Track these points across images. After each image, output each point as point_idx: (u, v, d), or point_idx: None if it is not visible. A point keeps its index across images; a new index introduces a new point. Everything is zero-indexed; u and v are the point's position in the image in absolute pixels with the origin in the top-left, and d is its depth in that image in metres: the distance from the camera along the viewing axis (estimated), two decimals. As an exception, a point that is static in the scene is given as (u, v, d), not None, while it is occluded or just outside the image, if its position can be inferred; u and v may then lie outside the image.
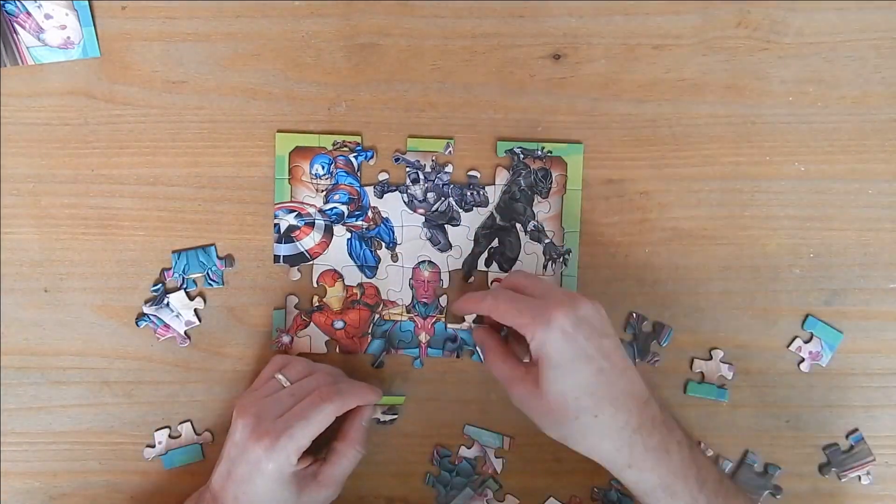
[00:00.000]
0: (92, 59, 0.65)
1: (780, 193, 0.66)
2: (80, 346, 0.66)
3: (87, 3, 0.64)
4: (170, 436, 0.66)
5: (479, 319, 0.65)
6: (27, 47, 0.64)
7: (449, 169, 0.65)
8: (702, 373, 0.66)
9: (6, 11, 0.64)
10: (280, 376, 0.61)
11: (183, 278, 0.65)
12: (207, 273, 0.65)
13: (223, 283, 0.66)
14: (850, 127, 0.65)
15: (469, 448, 0.67)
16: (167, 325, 0.65)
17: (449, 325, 0.66)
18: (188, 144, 0.65)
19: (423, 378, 0.66)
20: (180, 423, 0.66)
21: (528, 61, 0.65)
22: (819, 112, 0.65)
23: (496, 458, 0.67)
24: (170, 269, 0.65)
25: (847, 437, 0.66)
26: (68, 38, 0.64)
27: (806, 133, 0.65)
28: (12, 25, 0.64)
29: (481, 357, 0.65)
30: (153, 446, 0.66)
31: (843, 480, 0.66)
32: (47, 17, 0.64)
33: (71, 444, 0.66)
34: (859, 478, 0.66)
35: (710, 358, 0.66)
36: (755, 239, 0.66)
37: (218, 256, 0.65)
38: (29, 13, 0.64)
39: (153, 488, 0.66)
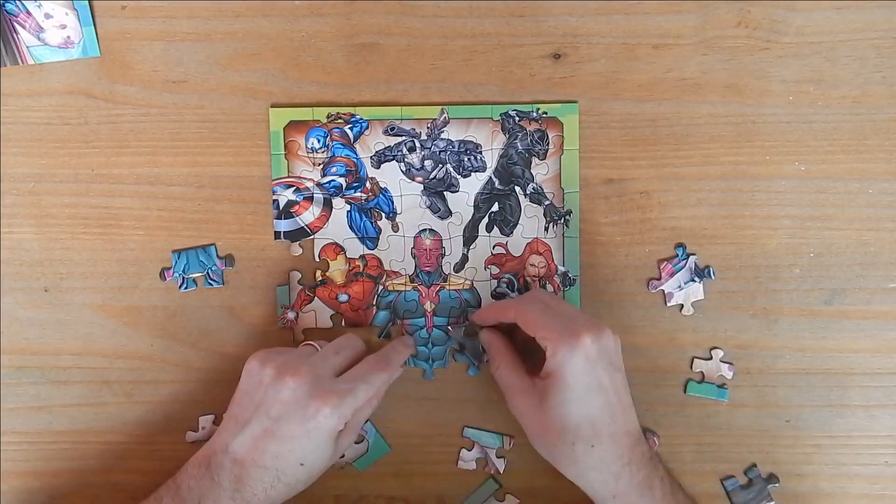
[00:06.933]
0: (92, 58, 0.65)
1: (780, 193, 0.66)
2: (80, 345, 0.66)
3: (87, 2, 0.64)
4: (214, 422, 0.66)
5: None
6: (27, 47, 0.64)
7: (445, 135, 0.65)
8: (702, 373, 0.66)
9: (6, 11, 0.64)
10: (311, 343, 0.63)
11: (183, 278, 0.65)
12: (207, 273, 0.65)
13: (223, 283, 0.66)
14: (850, 127, 0.65)
15: (469, 451, 0.67)
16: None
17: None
18: (188, 144, 0.65)
19: (423, 378, 0.66)
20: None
21: (528, 61, 0.65)
22: (819, 112, 0.65)
23: (497, 458, 0.67)
24: (170, 268, 0.65)
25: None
26: (68, 37, 0.64)
27: (806, 133, 0.65)
28: (12, 25, 0.64)
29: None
30: (196, 431, 0.66)
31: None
32: (47, 16, 0.64)
33: (71, 444, 0.66)
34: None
35: (710, 358, 0.66)
36: (755, 238, 0.66)
37: (218, 256, 0.65)
38: (29, 13, 0.64)
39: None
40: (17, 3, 0.64)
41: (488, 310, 0.63)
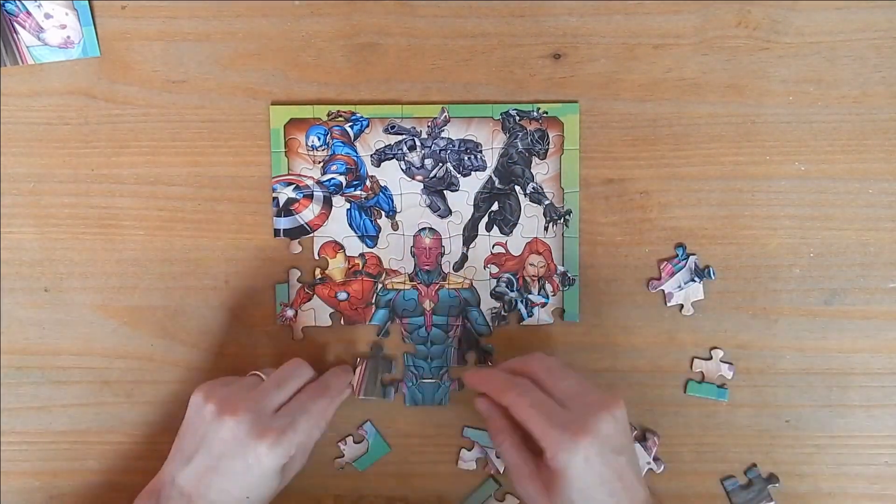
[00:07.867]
0: (92, 58, 0.65)
1: (780, 193, 0.66)
2: (80, 345, 0.66)
3: (87, 2, 0.64)
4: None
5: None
6: (27, 47, 0.64)
7: (446, 133, 0.65)
8: (702, 373, 0.66)
9: (6, 11, 0.64)
10: (257, 372, 0.61)
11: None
12: None
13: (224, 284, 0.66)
14: (851, 127, 0.65)
15: (469, 451, 0.67)
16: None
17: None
18: (188, 144, 0.65)
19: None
20: None
21: (529, 61, 0.65)
22: (819, 112, 0.65)
23: (497, 458, 0.67)
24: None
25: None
26: (68, 37, 0.64)
27: (806, 133, 0.65)
28: (12, 25, 0.64)
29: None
30: None
31: None
32: (47, 16, 0.64)
33: (71, 444, 0.66)
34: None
35: (710, 358, 0.66)
36: (755, 239, 0.66)
37: None
38: (29, 13, 0.64)
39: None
40: (17, 3, 0.64)
41: (481, 379, 0.61)
